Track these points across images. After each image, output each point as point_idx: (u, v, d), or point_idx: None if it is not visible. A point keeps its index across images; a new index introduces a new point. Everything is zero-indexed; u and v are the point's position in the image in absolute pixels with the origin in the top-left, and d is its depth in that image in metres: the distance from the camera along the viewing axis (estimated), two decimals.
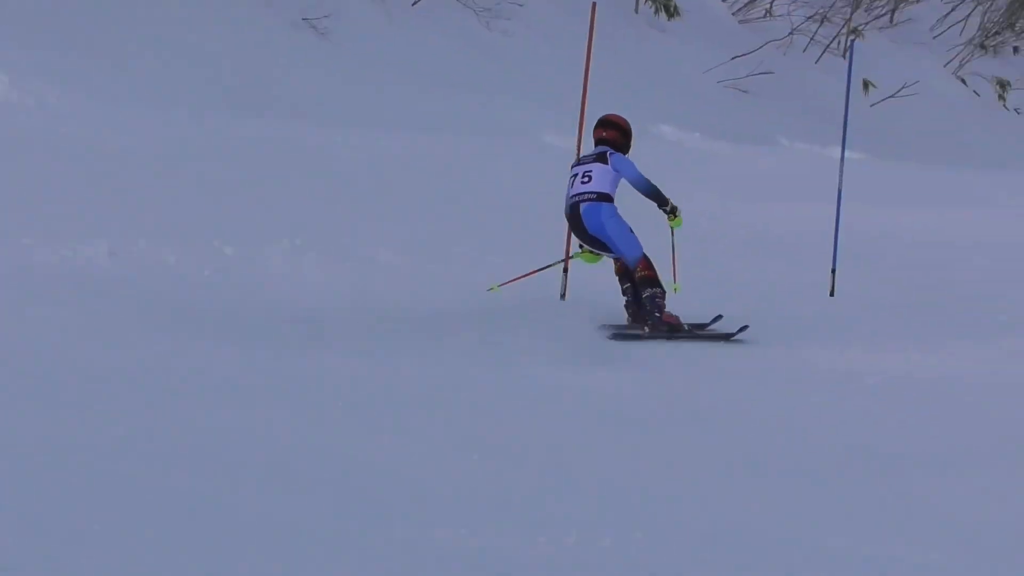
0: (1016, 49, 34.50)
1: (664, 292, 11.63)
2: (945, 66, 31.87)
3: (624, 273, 11.87)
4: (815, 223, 15.08)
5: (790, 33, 27.57)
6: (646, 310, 11.67)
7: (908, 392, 10.45)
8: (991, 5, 33.94)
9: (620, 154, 11.91)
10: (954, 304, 13.56)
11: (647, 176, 11.80)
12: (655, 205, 11.74)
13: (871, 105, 27.45)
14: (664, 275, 11.75)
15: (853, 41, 25.71)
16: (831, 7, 28.62)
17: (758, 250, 15.17)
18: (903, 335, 12.02)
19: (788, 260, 14.73)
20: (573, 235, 12.10)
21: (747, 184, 18.68)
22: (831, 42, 28.47)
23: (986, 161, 27.12)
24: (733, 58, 25.59)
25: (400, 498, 6.65)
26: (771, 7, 27.90)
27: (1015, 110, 32.16)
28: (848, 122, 13.68)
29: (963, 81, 31.86)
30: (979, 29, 33.35)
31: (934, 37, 32.60)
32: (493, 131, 19.98)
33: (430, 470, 7.26)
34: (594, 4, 12.87)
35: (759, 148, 22.35)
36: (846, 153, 13.59)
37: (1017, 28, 34.95)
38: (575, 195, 11.82)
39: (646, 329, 11.63)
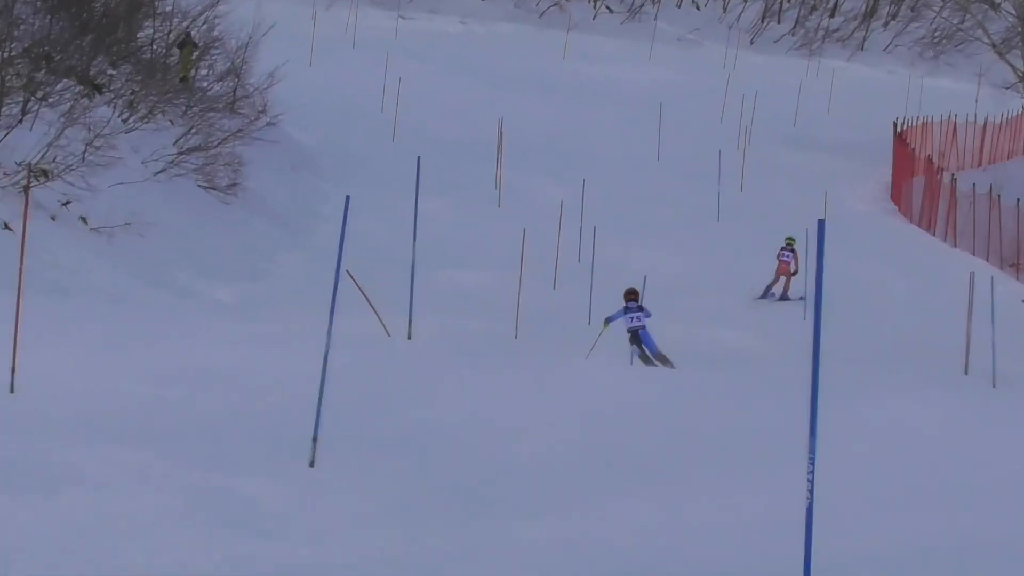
0: None
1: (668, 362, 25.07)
2: None
3: (646, 357, 25.21)
4: None
5: None
6: (664, 362, 24.91)
7: None
8: None
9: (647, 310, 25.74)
10: None
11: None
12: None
13: None
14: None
15: None
16: None
17: None
18: None
19: None
20: (631, 340, 25.49)
21: None
22: None
23: None
24: None
25: None
26: None
27: None
28: None
29: None
30: None
31: None
32: None
33: None
34: None
35: None
36: None
37: None
38: (636, 327, 25.44)
39: (664, 365, 24.81)
